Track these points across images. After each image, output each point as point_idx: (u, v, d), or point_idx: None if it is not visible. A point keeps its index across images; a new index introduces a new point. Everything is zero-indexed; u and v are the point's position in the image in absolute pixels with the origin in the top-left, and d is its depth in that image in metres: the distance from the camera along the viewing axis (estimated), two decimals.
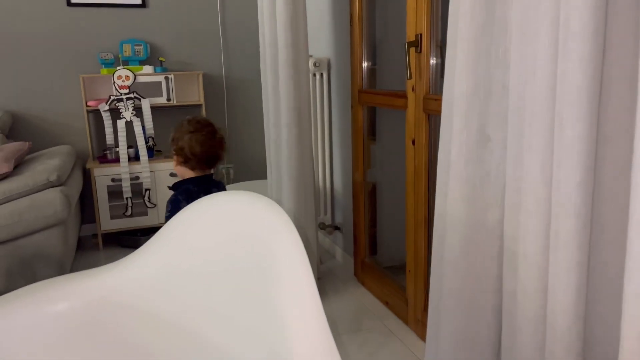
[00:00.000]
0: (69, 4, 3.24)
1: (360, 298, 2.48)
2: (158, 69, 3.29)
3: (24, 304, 1.01)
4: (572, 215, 0.99)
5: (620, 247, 1.01)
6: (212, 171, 1.74)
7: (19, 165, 2.70)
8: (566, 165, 0.98)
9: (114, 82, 3.08)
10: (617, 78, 0.96)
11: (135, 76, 3.11)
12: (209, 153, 1.63)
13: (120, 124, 3.10)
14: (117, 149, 3.16)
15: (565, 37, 0.95)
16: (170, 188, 1.73)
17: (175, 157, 1.70)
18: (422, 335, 2.07)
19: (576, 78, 0.93)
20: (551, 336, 1.07)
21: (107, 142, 3.21)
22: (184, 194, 1.65)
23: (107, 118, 3.14)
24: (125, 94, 3.10)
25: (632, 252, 0.85)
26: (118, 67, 3.14)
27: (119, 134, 3.11)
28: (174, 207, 1.63)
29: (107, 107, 3.10)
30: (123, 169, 3.09)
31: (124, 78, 3.09)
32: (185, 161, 1.66)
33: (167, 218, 1.60)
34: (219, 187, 1.76)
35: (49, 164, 2.63)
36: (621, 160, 0.98)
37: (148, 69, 3.24)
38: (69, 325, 1.02)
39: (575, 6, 0.92)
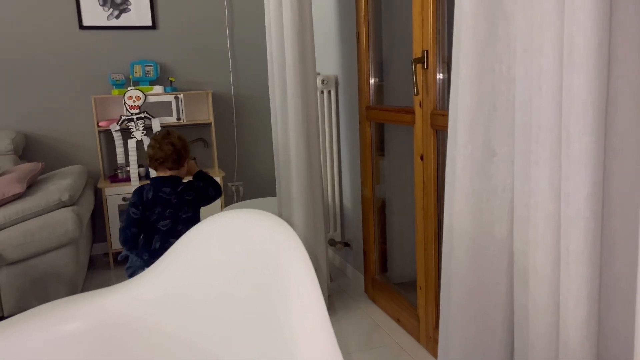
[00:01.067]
0: (81, 26, 3.31)
1: (371, 315, 2.46)
2: (168, 88, 3.34)
3: (36, 325, 1.02)
4: (582, 229, 0.98)
5: (632, 261, 1.00)
6: (177, 172, 2.07)
7: (32, 185, 2.74)
8: (574, 179, 0.98)
9: (125, 102, 3.12)
10: (623, 91, 0.96)
11: (145, 96, 3.16)
12: (156, 155, 2.01)
13: (131, 143, 3.14)
14: (128, 168, 3.19)
15: (570, 51, 0.95)
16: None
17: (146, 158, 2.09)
18: (434, 352, 2.04)
19: (582, 92, 0.93)
20: (564, 352, 1.05)
21: (118, 162, 3.25)
22: (135, 192, 2.05)
23: (117, 138, 3.18)
24: (136, 114, 3.14)
25: None
26: (129, 88, 3.19)
27: (130, 153, 3.15)
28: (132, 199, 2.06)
29: (117, 127, 3.14)
30: (134, 188, 3.11)
31: (134, 98, 3.13)
32: (150, 164, 2.07)
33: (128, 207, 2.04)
34: (175, 184, 2.05)
35: (61, 184, 2.66)
36: (630, 173, 0.98)
37: (158, 89, 3.29)
38: (80, 345, 1.02)
39: (578, 21, 0.92)
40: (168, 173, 2.06)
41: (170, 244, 1.89)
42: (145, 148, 2.15)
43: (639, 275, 0.86)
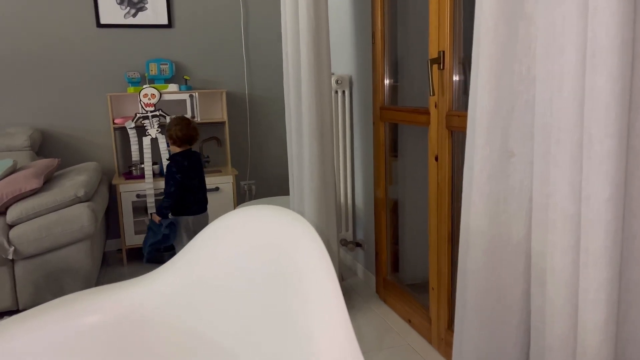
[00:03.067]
0: (99, 25, 3.34)
1: (383, 316, 2.45)
2: (183, 87, 3.36)
3: (56, 317, 1.03)
4: (602, 232, 0.98)
5: None
6: (191, 147, 2.75)
7: (48, 181, 2.77)
8: (595, 181, 0.97)
9: (140, 100, 3.15)
10: None
11: (160, 94, 3.18)
12: (186, 136, 2.67)
13: (146, 141, 3.17)
14: (142, 166, 3.22)
15: (593, 52, 0.95)
16: (167, 159, 2.76)
17: (169, 141, 2.70)
18: (446, 354, 2.04)
19: (605, 93, 0.93)
20: (581, 355, 1.05)
21: (133, 159, 3.27)
22: (175, 164, 2.65)
23: (132, 135, 3.21)
24: (151, 111, 3.17)
25: None
26: (144, 86, 3.21)
27: (145, 150, 3.17)
28: (168, 172, 2.66)
29: (133, 125, 3.17)
30: (147, 185, 3.14)
31: (149, 96, 3.16)
32: (173, 142, 2.68)
33: (167, 176, 2.66)
34: (196, 155, 2.74)
35: (76, 180, 2.69)
36: None
37: (173, 87, 3.31)
38: (100, 337, 1.03)
39: (602, 21, 0.92)
40: (186, 147, 2.70)
41: (203, 197, 2.76)
42: (168, 128, 2.70)
43: None
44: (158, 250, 2.84)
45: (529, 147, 1.20)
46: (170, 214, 2.67)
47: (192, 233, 2.68)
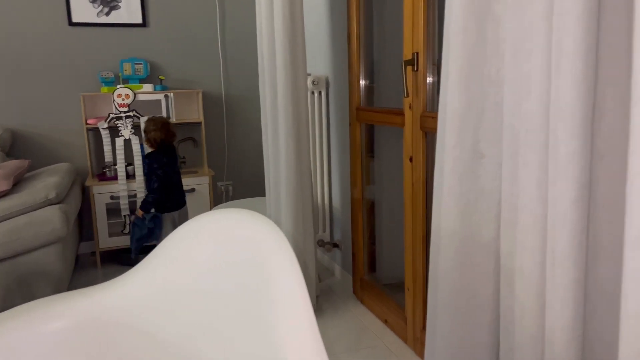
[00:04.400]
0: (71, 23, 3.28)
1: (359, 316, 2.46)
2: (158, 87, 3.32)
3: (19, 323, 1.01)
4: (569, 232, 0.99)
5: (617, 264, 1.01)
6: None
7: (18, 182, 2.71)
8: (561, 182, 0.99)
9: (114, 100, 3.10)
10: (610, 96, 0.97)
11: (135, 94, 3.13)
12: (165, 140, 2.78)
13: (119, 142, 3.12)
14: (116, 167, 3.17)
15: (559, 55, 0.96)
16: (145, 157, 2.85)
17: (147, 144, 2.80)
18: (421, 354, 2.05)
19: (569, 96, 0.94)
20: (549, 354, 1.06)
21: (106, 160, 3.22)
22: (155, 161, 2.76)
23: (105, 136, 3.15)
24: (125, 112, 3.12)
25: (628, 269, 0.85)
26: (118, 86, 3.16)
27: (118, 151, 3.12)
28: (150, 169, 2.78)
29: (106, 125, 3.12)
30: (121, 187, 3.09)
31: (123, 96, 3.11)
32: (151, 146, 2.78)
33: (149, 172, 2.78)
34: (172, 149, 2.87)
35: (48, 181, 2.64)
36: (616, 177, 0.99)
37: (148, 87, 3.27)
38: (64, 344, 1.01)
39: (567, 26, 0.93)
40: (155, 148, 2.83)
41: (181, 189, 2.91)
42: (146, 130, 2.79)
43: (624, 279, 0.87)
44: (144, 245, 2.90)
45: (499, 149, 1.21)
46: (154, 210, 2.80)
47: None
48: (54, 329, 1.01)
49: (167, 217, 2.82)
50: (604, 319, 1.05)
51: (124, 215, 3.14)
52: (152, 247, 2.93)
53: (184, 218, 2.90)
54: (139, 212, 2.79)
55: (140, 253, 3.21)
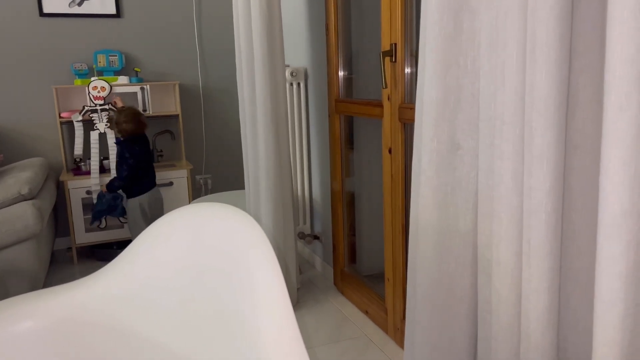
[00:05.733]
0: (42, 14, 3.19)
1: (340, 307, 2.47)
2: (133, 79, 3.26)
3: None
4: (543, 223, 1.00)
5: (591, 253, 1.02)
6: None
7: None
8: (537, 173, 0.99)
9: (89, 92, 3.03)
10: (584, 86, 0.97)
11: (111, 87, 3.07)
12: (136, 130, 2.83)
13: (94, 135, 3.06)
14: (89, 161, 3.11)
15: (533, 47, 0.96)
16: (116, 143, 2.92)
17: (118, 135, 2.86)
18: (402, 344, 2.06)
19: (543, 87, 0.95)
20: (525, 342, 1.07)
21: (75, 153, 3.14)
22: (127, 149, 2.82)
23: (78, 128, 3.08)
24: (100, 105, 3.05)
25: (601, 258, 0.86)
26: (92, 78, 3.09)
27: (92, 145, 3.06)
28: (121, 157, 2.85)
29: (80, 118, 3.05)
30: (93, 181, 3.04)
31: (99, 89, 3.04)
32: (122, 136, 2.83)
33: (120, 160, 2.85)
34: (144, 137, 2.91)
35: (20, 176, 2.57)
36: (590, 168, 1.00)
37: (123, 79, 3.20)
38: (35, 344, 0.99)
39: (540, 16, 0.93)
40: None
41: (152, 174, 2.96)
42: (117, 122, 2.82)
43: (598, 268, 0.88)
44: (100, 217, 3.01)
45: (475, 140, 1.22)
46: (121, 192, 2.93)
47: (147, 214, 2.90)
48: (25, 329, 0.98)
49: (133, 201, 2.88)
50: (579, 308, 1.06)
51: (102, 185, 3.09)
52: (128, 241, 2.98)
53: (157, 204, 2.98)
54: (103, 188, 2.91)
55: (118, 248, 3.18)
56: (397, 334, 2.10)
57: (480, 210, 1.18)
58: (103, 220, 3.07)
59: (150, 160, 2.96)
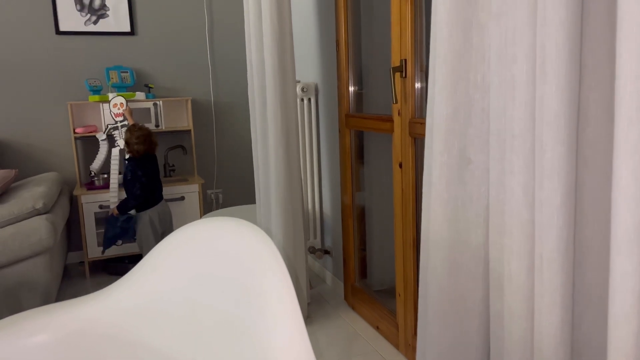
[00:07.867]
0: (58, 32, 3.26)
1: (351, 323, 2.45)
2: (149, 95, 3.30)
3: (3, 336, 0.99)
4: (555, 237, 0.99)
5: (604, 268, 1.01)
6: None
7: (5, 192, 2.68)
8: (548, 187, 0.99)
9: (110, 110, 3.08)
10: (594, 102, 0.98)
11: (127, 103, 3.12)
12: (147, 150, 2.87)
13: (114, 152, 3.10)
14: (105, 175, 3.15)
15: (543, 62, 0.97)
16: (126, 160, 2.92)
17: (130, 154, 2.87)
18: None
19: (554, 102, 0.95)
20: (538, 358, 1.06)
21: (96, 167, 3.19)
22: (140, 167, 2.84)
23: (103, 145, 3.15)
24: (120, 121, 3.10)
25: (614, 273, 0.86)
26: (111, 95, 3.14)
27: (112, 161, 3.09)
28: (133, 175, 2.85)
29: (104, 136, 3.11)
30: (112, 195, 3.07)
31: (119, 105, 3.09)
32: (133, 156, 2.85)
33: (132, 178, 2.84)
34: (154, 157, 2.97)
35: (35, 191, 2.61)
36: (601, 182, 0.99)
37: (140, 95, 3.25)
38: (47, 357, 1.00)
39: (550, 32, 0.94)
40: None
41: (159, 188, 2.97)
42: (128, 142, 2.86)
43: (611, 283, 0.87)
44: (115, 242, 3.00)
45: (486, 154, 1.22)
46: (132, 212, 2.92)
47: (157, 228, 2.92)
48: (38, 342, 0.99)
49: (143, 215, 2.89)
50: (592, 323, 1.05)
51: (111, 208, 3.12)
52: (141, 256, 2.99)
53: (166, 217, 2.99)
54: (115, 212, 2.87)
55: (130, 262, 3.20)
56: (409, 350, 2.08)
57: (491, 224, 1.17)
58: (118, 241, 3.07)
59: (158, 175, 2.99)
